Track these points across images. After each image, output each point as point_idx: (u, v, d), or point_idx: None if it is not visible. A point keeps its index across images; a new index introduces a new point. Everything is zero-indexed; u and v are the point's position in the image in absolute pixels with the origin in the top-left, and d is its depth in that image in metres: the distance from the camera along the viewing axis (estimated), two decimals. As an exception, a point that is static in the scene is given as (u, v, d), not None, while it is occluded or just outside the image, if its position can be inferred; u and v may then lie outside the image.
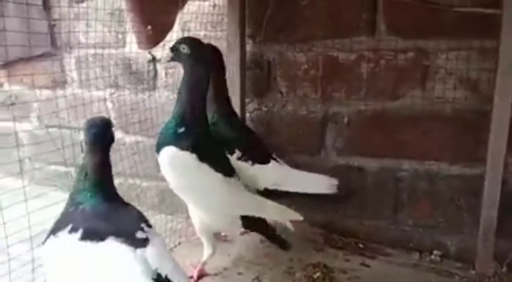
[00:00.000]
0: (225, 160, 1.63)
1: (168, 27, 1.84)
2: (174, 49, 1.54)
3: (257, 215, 1.58)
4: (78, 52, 2.78)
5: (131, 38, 2.52)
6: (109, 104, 2.75)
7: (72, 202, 1.21)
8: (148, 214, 1.33)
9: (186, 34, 2.28)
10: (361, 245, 1.95)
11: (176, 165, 1.49)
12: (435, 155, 1.89)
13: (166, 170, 1.51)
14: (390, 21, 1.88)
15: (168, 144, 1.49)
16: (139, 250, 1.11)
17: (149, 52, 2.50)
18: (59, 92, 2.86)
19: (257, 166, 1.74)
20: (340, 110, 2.02)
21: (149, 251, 1.12)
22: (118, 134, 2.79)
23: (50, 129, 3.00)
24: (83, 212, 1.16)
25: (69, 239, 1.12)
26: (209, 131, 1.61)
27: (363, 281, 1.71)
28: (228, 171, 1.57)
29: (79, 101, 2.69)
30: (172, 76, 2.43)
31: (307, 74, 2.05)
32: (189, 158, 1.48)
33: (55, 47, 2.85)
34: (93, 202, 1.18)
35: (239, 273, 1.75)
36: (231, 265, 1.80)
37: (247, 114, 2.22)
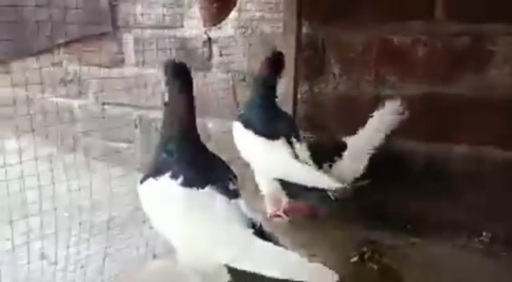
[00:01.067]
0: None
1: (231, 5, 1.92)
2: None
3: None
4: (136, 33, 2.90)
5: (189, 20, 2.63)
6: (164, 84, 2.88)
7: (163, 149, 1.27)
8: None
9: (243, 15, 2.37)
10: (408, 226, 1.99)
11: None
12: (486, 140, 1.91)
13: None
14: (448, 5, 1.90)
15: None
16: (233, 201, 1.21)
17: (205, 33, 2.60)
18: (116, 71, 3.02)
19: None
20: (392, 94, 2.05)
21: (241, 203, 1.23)
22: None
23: (106, 107, 3.17)
24: (178, 160, 1.24)
25: (171, 184, 1.20)
26: None
27: (411, 258, 1.75)
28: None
29: (135, 80, 2.85)
30: (227, 57, 2.52)
31: (361, 57, 2.10)
32: None
33: (115, 27, 2.99)
34: (185, 150, 1.25)
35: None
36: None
37: (299, 96, 2.29)
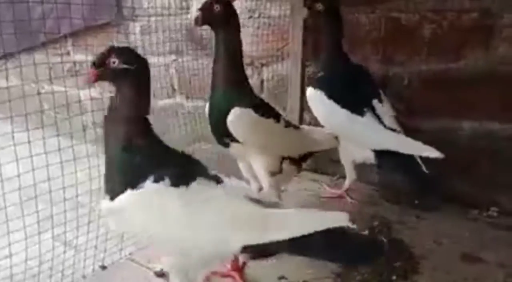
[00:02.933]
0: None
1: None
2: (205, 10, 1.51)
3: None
4: (143, 21, 2.92)
5: (196, 5, 2.64)
6: (172, 70, 2.90)
7: (126, 149, 1.12)
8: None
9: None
10: (416, 201, 2.01)
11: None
12: (496, 115, 1.92)
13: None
14: (455, -19, 1.91)
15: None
16: (224, 184, 1.15)
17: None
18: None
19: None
20: (400, 72, 2.07)
21: (230, 183, 1.17)
22: (179, 99, 2.96)
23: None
24: (152, 160, 1.11)
25: (159, 188, 1.07)
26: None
27: (421, 232, 1.78)
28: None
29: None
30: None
31: (368, 36, 2.12)
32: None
33: (121, 16, 3.01)
34: (154, 147, 1.15)
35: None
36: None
37: (306, 77, 2.31)
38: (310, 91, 1.89)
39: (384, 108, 1.81)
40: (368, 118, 1.77)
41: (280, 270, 1.51)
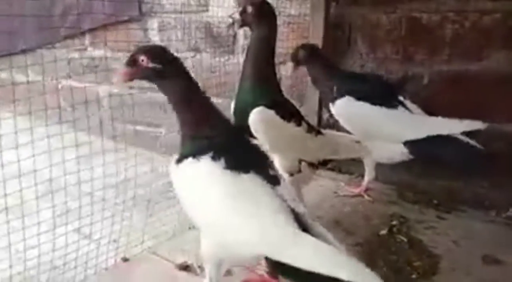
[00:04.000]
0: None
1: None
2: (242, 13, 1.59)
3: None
4: (161, 18, 2.94)
5: (214, 3, 2.66)
6: (189, 67, 2.92)
7: (199, 133, 1.17)
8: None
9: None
10: (435, 201, 2.01)
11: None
12: (515, 117, 1.92)
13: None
14: (478, -18, 1.91)
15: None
16: (276, 187, 1.13)
17: (230, 17, 2.64)
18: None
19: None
20: (420, 71, 2.07)
21: (283, 189, 1.15)
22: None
23: (132, 91, 3.23)
24: (218, 143, 1.15)
25: (213, 166, 1.10)
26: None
27: (440, 231, 1.78)
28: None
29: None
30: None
31: (389, 36, 2.12)
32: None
33: (141, 13, 3.04)
34: (223, 134, 1.18)
35: (319, 217, 1.88)
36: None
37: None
38: (336, 104, 1.91)
39: (409, 102, 1.86)
40: (401, 110, 1.81)
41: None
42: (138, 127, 3.16)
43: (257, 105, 1.55)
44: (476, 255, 1.61)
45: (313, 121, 2.29)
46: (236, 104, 1.65)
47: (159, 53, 1.15)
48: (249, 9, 1.58)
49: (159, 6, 2.96)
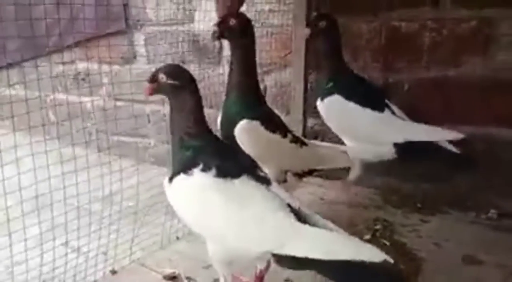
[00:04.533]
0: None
1: (244, -3, 1.99)
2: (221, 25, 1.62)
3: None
4: (147, 29, 2.97)
5: (199, 15, 2.70)
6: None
7: (184, 146, 1.25)
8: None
9: (252, 8, 2.44)
10: (419, 205, 2.05)
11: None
12: (493, 120, 1.97)
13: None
14: (455, -9, 1.97)
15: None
16: (270, 187, 1.21)
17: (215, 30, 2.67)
18: (128, 67, 3.10)
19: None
20: (400, 78, 2.12)
21: (277, 188, 1.23)
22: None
23: (118, 103, 3.25)
24: (204, 153, 1.22)
25: (205, 177, 1.17)
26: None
27: (423, 234, 1.82)
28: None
29: (146, 76, 2.92)
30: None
31: (369, 44, 2.18)
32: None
33: (127, 26, 3.06)
34: (207, 144, 1.25)
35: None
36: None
37: (309, 85, 2.36)
38: (325, 101, 1.89)
39: (394, 106, 1.89)
40: (388, 113, 1.83)
41: (286, 273, 1.54)
42: (126, 139, 3.18)
43: (243, 116, 1.58)
44: (457, 256, 1.65)
45: (298, 130, 2.33)
46: (222, 116, 1.68)
47: (176, 72, 1.26)
48: (231, 21, 1.61)
49: (145, 19, 2.99)
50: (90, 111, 3.37)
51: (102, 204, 1.79)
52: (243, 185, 1.18)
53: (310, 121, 2.40)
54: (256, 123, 1.60)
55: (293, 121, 2.37)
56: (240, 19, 1.64)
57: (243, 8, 2.32)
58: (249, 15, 2.45)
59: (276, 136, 1.64)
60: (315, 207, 2.06)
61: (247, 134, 1.58)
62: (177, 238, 1.84)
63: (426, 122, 2.03)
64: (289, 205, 1.18)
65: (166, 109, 2.93)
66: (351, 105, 1.85)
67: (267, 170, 1.66)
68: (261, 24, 2.50)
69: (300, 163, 1.76)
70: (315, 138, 2.44)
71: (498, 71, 1.93)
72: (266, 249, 1.15)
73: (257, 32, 2.47)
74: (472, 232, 1.84)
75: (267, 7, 2.44)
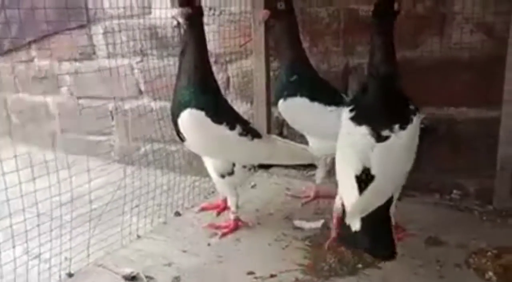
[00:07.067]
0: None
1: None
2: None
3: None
4: (105, 24, 2.88)
5: (156, 4, 2.61)
6: (137, 72, 2.87)
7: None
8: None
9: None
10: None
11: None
12: (453, 100, 1.97)
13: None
14: (409, -29, 1.94)
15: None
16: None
17: (174, 17, 2.60)
18: (88, 63, 3.00)
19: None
20: (361, 62, 2.10)
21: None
22: (146, 100, 2.93)
23: (81, 101, 3.15)
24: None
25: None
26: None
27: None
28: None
29: (107, 71, 2.84)
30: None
31: (328, 29, 2.14)
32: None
33: (88, 20, 2.96)
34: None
35: (270, 213, 1.90)
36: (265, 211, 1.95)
37: (271, 73, 2.32)
38: (288, 103, 1.85)
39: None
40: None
41: (249, 265, 1.52)
42: (90, 137, 3.09)
43: (187, 105, 1.53)
44: (421, 238, 1.65)
45: (263, 120, 2.29)
46: (172, 106, 1.63)
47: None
48: (186, 10, 1.56)
49: (102, 12, 2.89)
50: (52, 111, 3.30)
51: (59, 209, 1.70)
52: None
53: (276, 111, 2.36)
54: (200, 113, 1.55)
55: (257, 111, 2.33)
56: (197, 6, 1.60)
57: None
58: (207, 3, 2.41)
59: (222, 127, 1.59)
60: (281, 197, 2.05)
61: (189, 123, 1.54)
62: (138, 236, 1.78)
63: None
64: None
65: (128, 104, 2.86)
66: (316, 105, 1.82)
67: (213, 160, 1.64)
68: (220, 12, 2.44)
69: (249, 156, 1.70)
70: (281, 128, 2.41)
71: (454, 51, 1.92)
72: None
73: (217, 20, 2.45)
74: (435, 213, 1.84)
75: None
